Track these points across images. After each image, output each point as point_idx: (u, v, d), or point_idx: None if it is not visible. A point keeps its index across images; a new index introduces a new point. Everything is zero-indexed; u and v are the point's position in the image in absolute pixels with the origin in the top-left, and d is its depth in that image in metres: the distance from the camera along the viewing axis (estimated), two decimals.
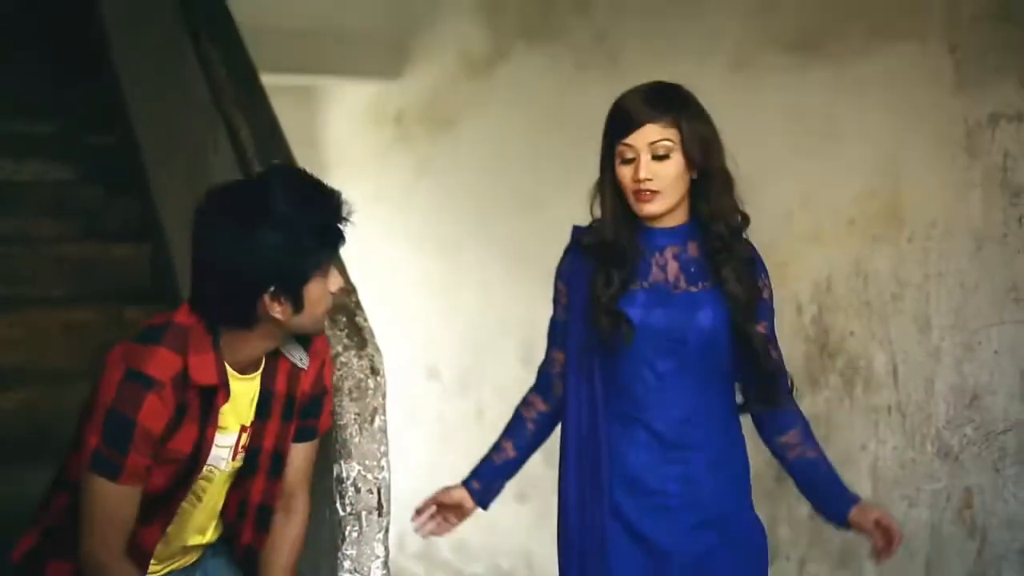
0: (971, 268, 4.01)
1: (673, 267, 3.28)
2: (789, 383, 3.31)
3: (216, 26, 4.86)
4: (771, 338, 3.29)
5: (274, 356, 3.15)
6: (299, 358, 3.18)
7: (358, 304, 3.73)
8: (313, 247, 2.97)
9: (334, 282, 3.05)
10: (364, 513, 3.39)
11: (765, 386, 3.27)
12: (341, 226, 3.02)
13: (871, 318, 4.34)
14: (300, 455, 3.26)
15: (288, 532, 3.26)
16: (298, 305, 2.98)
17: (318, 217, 2.99)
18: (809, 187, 4.66)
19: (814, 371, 4.61)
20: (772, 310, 3.33)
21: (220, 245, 2.92)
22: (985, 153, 3.95)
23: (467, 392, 7.01)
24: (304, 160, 4.40)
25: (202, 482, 3.10)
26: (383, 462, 3.43)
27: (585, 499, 3.33)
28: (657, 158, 3.17)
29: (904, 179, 4.26)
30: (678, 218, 3.26)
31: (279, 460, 3.21)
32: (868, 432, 4.39)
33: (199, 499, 3.14)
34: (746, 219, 3.29)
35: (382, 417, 3.46)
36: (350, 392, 3.44)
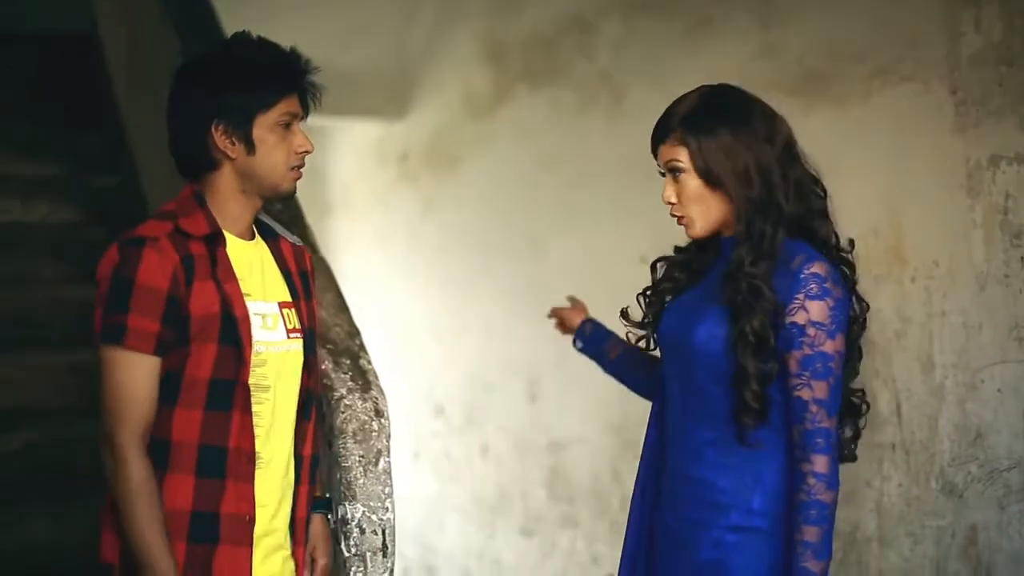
0: (973, 307, 4.02)
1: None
2: (831, 446, 2.95)
3: None
4: (805, 377, 2.95)
5: (274, 238, 3.22)
6: (293, 239, 3.28)
7: (362, 347, 3.75)
8: (260, 82, 3.04)
9: (299, 141, 3.10)
10: (369, 554, 3.40)
11: (741, 412, 2.99)
12: (296, 74, 3.09)
13: (874, 356, 4.34)
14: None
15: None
16: (249, 145, 3.05)
17: (269, 55, 3.08)
18: None
19: None
20: (815, 343, 2.95)
21: (178, 82, 3.10)
22: (986, 194, 3.97)
23: (472, 429, 7.02)
24: (308, 199, 4.43)
25: (259, 370, 3.04)
26: (388, 503, 3.44)
27: (642, 505, 3.27)
28: (675, 178, 3.10)
29: (906, 219, 4.28)
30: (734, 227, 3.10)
31: (315, 340, 3.23)
32: (872, 469, 4.39)
33: (265, 390, 3.06)
34: (810, 232, 3.08)
35: (386, 459, 3.47)
36: (354, 434, 3.44)
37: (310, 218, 4.36)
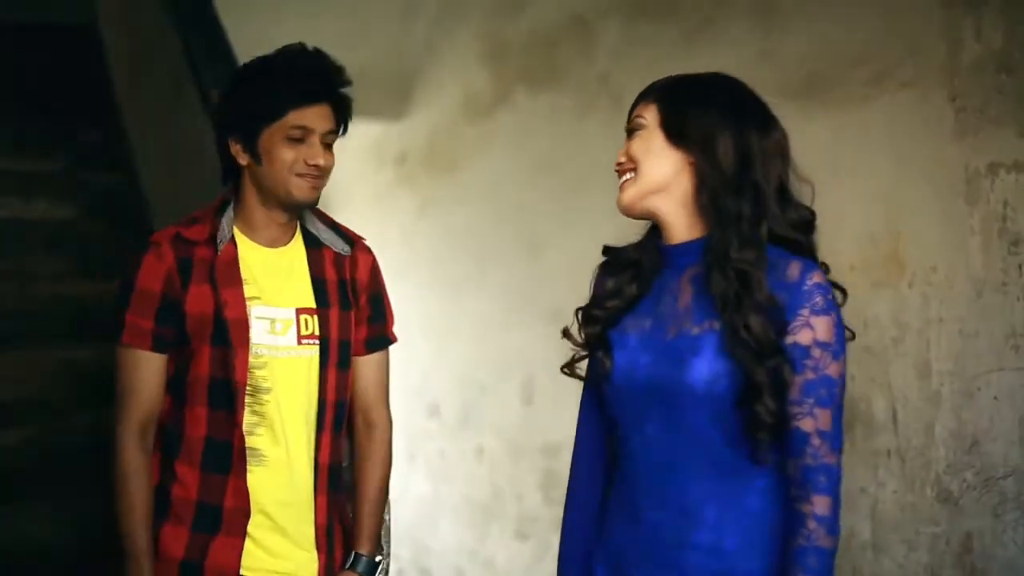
0: (971, 315, 4.02)
1: (686, 295, 2.67)
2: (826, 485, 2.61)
3: (218, 67, 4.90)
4: (807, 405, 2.57)
5: (316, 246, 3.27)
6: (341, 248, 3.31)
7: None
8: (269, 94, 3.10)
9: (309, 154, 3.13)
10: None
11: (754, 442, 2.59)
12: (312, 86, 3.13)
13: (871, 363, 4.34)
14: (373, 365, 3.34)
15: (373, 448, 3.31)
16: (255, 156, 3.12)
17: (279, 66, 3.13)
18: None
19: None
20: (820, 366, 2.57)
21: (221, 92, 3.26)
22: (984, 201, 3.97)
23: (467, 431, 7.02)
24: None
25: (259, 372, 3.11)
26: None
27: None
28: (634, 137, 2.73)
29: (904, 226, 4.28)
30: (694, 228, 2.69)
31: (346, 350, 3.24)
32: (868, 476, 4.39)
33: (267, 392, 3.12)
34: (795, 226, 2.67)
35: None
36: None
37: None
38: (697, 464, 2.62)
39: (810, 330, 2.57)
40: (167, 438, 3.13)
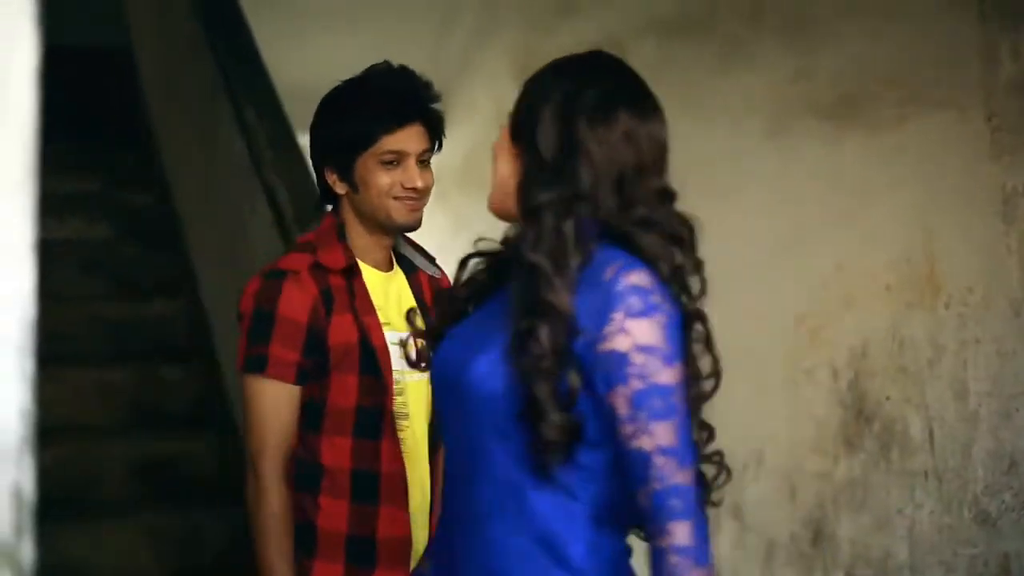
0: (1008, 334, 4.00)
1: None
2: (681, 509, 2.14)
3: (253, 88, 4.91)
4: (641, 421, 2.14)
5: (413, 270, 3.25)
6: (433, 271, 3.28)
7: None
8: (358, 122, 3.05)
9: (404, 177, 3.07)
10: None
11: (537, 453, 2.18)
12: (398, 104, 3.06)
13: (907, 384, 4.32)
14: None
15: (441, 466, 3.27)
16: (352, 183, 3.07)
17: (365, 90, 3.08)
18: (844, 253, 4.65)
19: (850, 436, 4.60)
20: (647, 374, 2.16)
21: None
22: (1021, 220, 3.95)
23: None
24: None
25: (399, 399, 3.06)
26: None
27: None
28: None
29: (940, 246, 4.26)
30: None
31: None
32: (905, 497, 4.36)
33: (405, 418, 3.08)
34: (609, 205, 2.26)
35: None
36: None
37: None
38: (480, 479, 2.27)
39: (627, 335, 2.16)
40: (300, 470, 3.04)
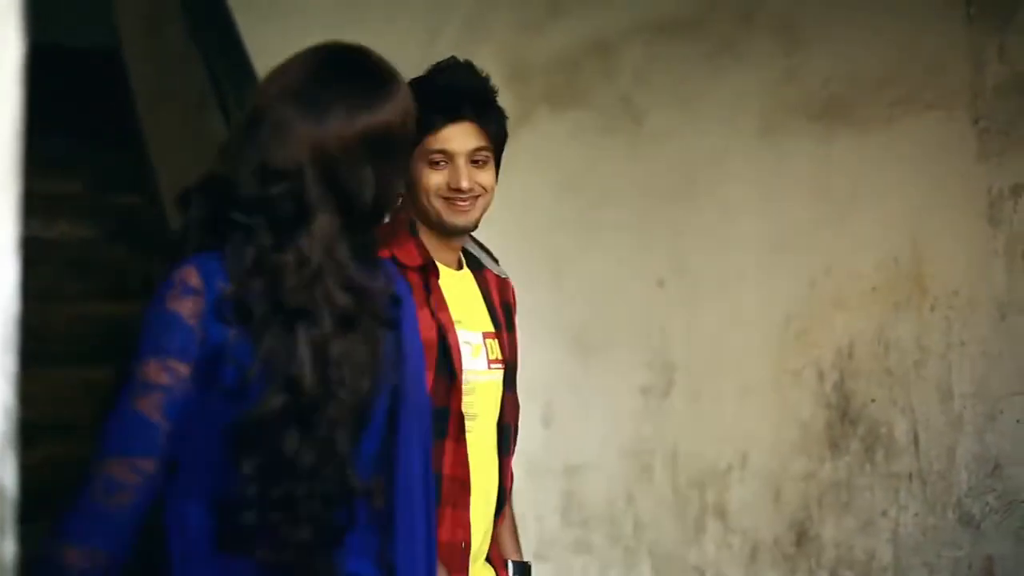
0: (994, 337, 4.01)
1: None
2: None
3: (243, 89, 4.91)
4: None
5: (479, 268, 3.18)
6: (499, 270, 3.23)
7: None
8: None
9: (449, 177, 3.01)
10: None
11: None
12: (442, 101, 3.00)
13: (893, 386, 4.33)
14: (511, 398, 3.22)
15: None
16: (406, 183, 2.97)
17: (418, 91, 2.88)
18: (832, 254, 4.66)
19: (835, 437, 4.60)
20: None
21: None
22: (1007, 223, 3.96)
23: None
24: None
25: (467, 399, 2.99)
26: None
27: None
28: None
29: (927, 248, 4.27)
30: None
31: (516, 374, 3.16)
32: (889, 498, 4.37)
33: (473, 418, 3.02)
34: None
35: None
36: None
37: None
38: None
39: None
40: None
